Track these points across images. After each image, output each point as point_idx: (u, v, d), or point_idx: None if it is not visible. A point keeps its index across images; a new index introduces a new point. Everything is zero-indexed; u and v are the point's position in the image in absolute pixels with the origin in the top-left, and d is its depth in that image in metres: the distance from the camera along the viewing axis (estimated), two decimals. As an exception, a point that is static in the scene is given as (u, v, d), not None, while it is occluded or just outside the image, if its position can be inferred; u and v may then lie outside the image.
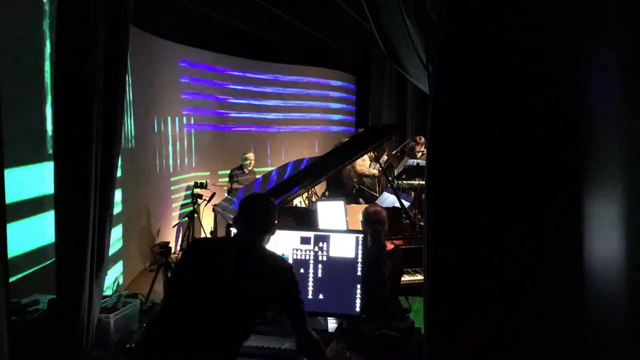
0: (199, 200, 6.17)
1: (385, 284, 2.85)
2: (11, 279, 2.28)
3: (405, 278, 3.45)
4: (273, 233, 2.06)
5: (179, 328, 1.82)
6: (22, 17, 2.99)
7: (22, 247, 2.89)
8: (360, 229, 3.05)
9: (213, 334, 1.81)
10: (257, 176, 6.22)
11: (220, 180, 6.85)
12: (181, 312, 1.85)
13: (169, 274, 2.01)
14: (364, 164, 6.21)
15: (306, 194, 5.12)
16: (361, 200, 5.73)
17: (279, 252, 2.42)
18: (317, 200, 4.52)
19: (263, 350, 2.13)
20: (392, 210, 3.99)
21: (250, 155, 6.53)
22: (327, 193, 5.72)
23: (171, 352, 1.80)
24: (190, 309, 1.84)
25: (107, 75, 2.26)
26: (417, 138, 6.87)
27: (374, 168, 6.24)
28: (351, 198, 5.55)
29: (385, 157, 6.39)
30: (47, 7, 3.13)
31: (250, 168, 6.54)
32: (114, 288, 4.37)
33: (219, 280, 1.86)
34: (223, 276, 1.87)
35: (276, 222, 2.07)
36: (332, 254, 2.39)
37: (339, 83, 8.75)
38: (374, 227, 2.94)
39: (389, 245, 3.08)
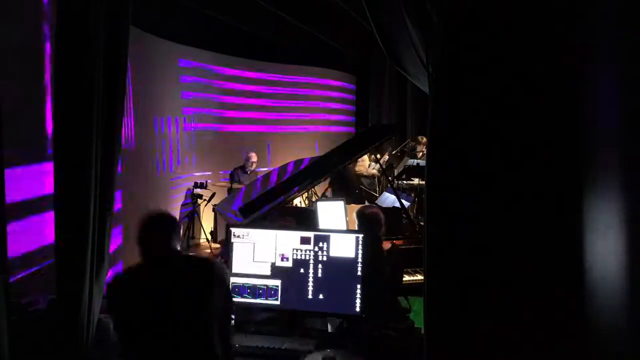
0: (199, 200, 6.17)
1: (384, 284, 2.85)
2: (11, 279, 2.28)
3: (405, 278, 3.46)
4: (178, 233, 2.07)
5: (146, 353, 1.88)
6: (22, 17, 2.99)
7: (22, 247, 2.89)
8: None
9: (181, 341, 1.85)
10: (258, 175, 6.21)
11: (220, 180, 6.84)
12: (142, 341, 1.89)
13: (112, 315, 2.04)
14: (364, 165, 6.20)
15: (306, 194, 5.11)
16: (366, 201, 5.71)
17: (279, 252, 2.42)
18: (317, 200, 4.52)
19: (263, 350, 2.14)
20: (392, 210, 3.99)
21: (253, 156, 6.52)
22: (327, 194, 5.70)
23: None
24: (149, 335, 1.88)
25: (107, 75, 2.26)
26: (419, 138, 6.85)
27: (373, 168, 6.24)
28: (356, 198, 5.54)
29: (386, 157, 6.38)
30: (47, 7, 3.13)
31: (252, 168, 6.53)
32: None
33: (163, 298, 1.89)
34: (164, 293, 1.89)
35: (177, 223, 2.10)
36: (332, 254, 2.39)
37: (339, 83, 8.75)
38: (371, 227, 2.93)
39: (386, 245, 3.08)
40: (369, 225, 2.96)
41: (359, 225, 3.02)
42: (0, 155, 1.83)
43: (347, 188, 5.68)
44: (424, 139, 6.44)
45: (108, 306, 2.03)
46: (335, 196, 5.53)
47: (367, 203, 5.09)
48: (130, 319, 1.92)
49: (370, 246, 2.92)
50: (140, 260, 1.99)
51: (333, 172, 4.41)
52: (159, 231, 2.01)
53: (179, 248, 2.05)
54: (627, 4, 1.51)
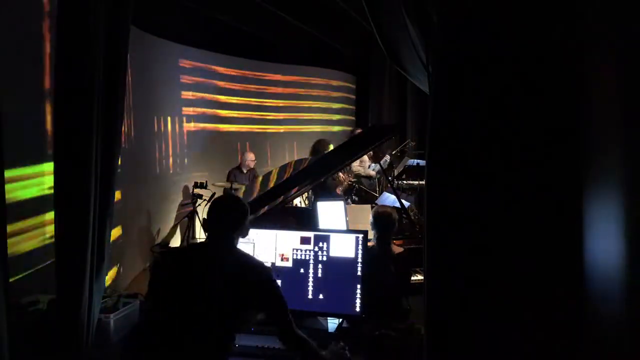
0: (199, 200, 6.17)
1: (389, 285, 2.86)
2: (11, 279, 2.28)
3: (410, 279, 3.46)
4: (245, 234, 2.03)
5: (166, 335, 1.84)
6: (22, 17, 2.99)
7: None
8: (361, 229, 3.05)
9: (200, 337, 1.82)
10: (259, 176, 6.20)
11: (220, 180, 6.84)
12: (166, 320, 1.86)
13: (149, 284, 2.00)
14: (363, 165, 6.19)
15: (306, 194, 5.11)
16: (349, 201, 5.66)
17: (279, 252, 2.42)
18: (317, 200, 4.51)
19: (263, 351, 2.13)
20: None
21: (249, 155, 6.50)
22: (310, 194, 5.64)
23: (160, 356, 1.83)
24: (174, 317, 1.84)
25: (107, 75, 2.26)
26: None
27: (373, 169, 6.23)
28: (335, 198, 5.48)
29: (387, 158, 6.38)
30: (47, 7, 3.13)
31: (249, 167, 6.51)
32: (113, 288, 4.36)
33: (198, 285, 1.86)
34: (202, 281, 1.86)
35: (248, 223, 2.03)
36: (332, 254, 2.39)
37: (339, 83, 8.75)
38: (384, 228, 2.95)
39: (398, 249, 3.09)
40: (382, 224, 2.98)
41: (372, 224, 3.04)
42: (1, 156, 1.83)
43: (325, 189, 5.62)
44: None
45: (150, 279, 2.00)
46: (315, 197, 5.44)
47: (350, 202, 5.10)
48: (160, 297, 1.91)
49: (379, 246, 2.94)
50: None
51: (333, 173, 4.39)
52: (218, 217, 1.96)
53: (237, 240, 1.98)
54: (627, 4, 1.51)
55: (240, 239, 2.14)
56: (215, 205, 2.01)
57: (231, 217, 1.97)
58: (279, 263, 2.41)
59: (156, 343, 1.85)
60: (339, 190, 5.47)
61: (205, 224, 2.00)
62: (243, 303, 1.89)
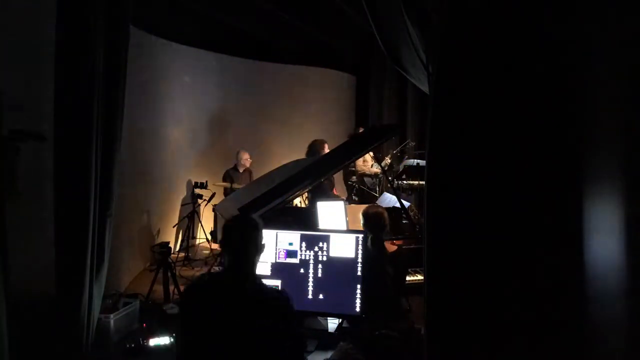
0: (199, 200, 6.17)
1: (387, 284, 2.85)
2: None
3: (406, 278, 3.46)
4: (262, 252, 1.97)
5: None
6: (22, 17, 2.98)
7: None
8: (360, 229, 3.05)
9: None
10: (255, 175, 6.20)
11: (219, 180, 6.85)
12: (200, 355, 1.80)
13: (179, 321, 1.93)
14: (366, 165, 6.20)
15: (306, 194, 5.11)
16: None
17: (279, 252, 2.43)
18: (314, 201, 4.51)
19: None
20: (392, 210, 3.99)
21: (244, 154, 6.48)
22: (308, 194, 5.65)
23: None
24: (207, 351, 1.78)
25: (107, 75, 2.26)
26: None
27: (376, 168, 6.23)
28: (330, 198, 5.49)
29: (387, 160, 6.39)
30: (47, 7, 3.13)
31: (245, 166, 6.50)
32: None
33: (227, 317, 1.79)
34: (229, 313, 1.79)
35: (264, 241, 1.96)
36: (332, 254, 2.39)
37: (339, 83, 8.75)
38: (376, 228, 2.95)
39: (392, 247, 3.08)
40: (373, 224, 2.97)
41: (363, 224, 3.04)
42: (1, 155, 1.83)
43: (320, 189, 5.62)
44: None
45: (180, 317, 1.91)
46: (312, 198, 5.44)
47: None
48: (189, 330, 1.84)
49: (374, 246, 2.93)
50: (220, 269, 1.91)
51: (333, 173, 4.40)
52: (241, 241, 1.87)
53: (257, 265, 1.91)
54: (627, 4, 1.51)
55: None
56: (235, 229, 1.93)
57: (253, 240, 1.90)
58: (279, 262, 2.41)
59: None
60: (335, 191, 5.48)
61: (225, 248, 1.91)
62: (273, 336, 1.80)
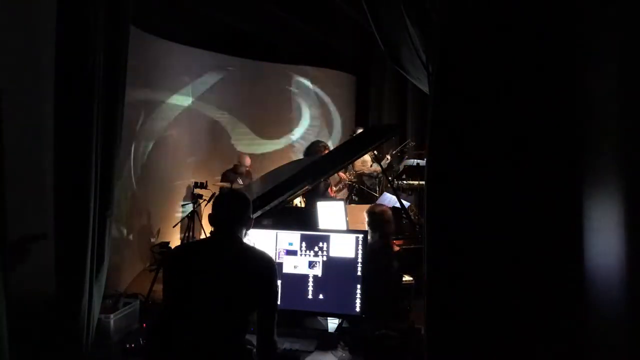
0: (199, 200, 6.17)
1: (390, 284, 2.86)
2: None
3: (405, 278, 3.46)
4: (250, 227, 2.05)
5: (184, 329, 1.85)
6: (22, 17, 2.98)
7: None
8: (361, 229, 3.05)
9: (218, 329, 1.83)
10: (254, 176, 6.19)
11: (219, 180, 6.84)
12: (183, 315, 1.86)
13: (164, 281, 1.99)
14: (365, 165, 6.20)
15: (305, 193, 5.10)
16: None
17: (279, 252, 2.43)
18: (309, 202, 4.51)
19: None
20: (392, 210, 3.99)
21: (244, 158, 6.49)
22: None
23: (182, 351, 1.84)
24: (190, 311, 1.85)
25: (107, 75, 2.26)
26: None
27: (375, 167, 6.23)
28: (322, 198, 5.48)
29: (388, 158, 6.38)
30: (47, 7, 3.12)
31: (244, 169, 6.49)
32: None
33: (211, 279, 1.87)
34: (213, 274, 1.87)
35: (252, 216, 2.05)
36: (332, 254, 2.39)
37: (339, 83, 8.74)
38: (382, 227, 2.95)
39: (395, 247, 3.09)
40: (379, 222, 2.98)
41: (368, 223, 3.04)
42: (1, 155, 1.83)
43: (319, 198, 5.60)
44: None
45: (163, 275, 2.00)
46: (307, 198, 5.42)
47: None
48: (175, 293, 1.91)
49: (381, 246, 2.93)
50: (205, 236, 1.97)
51: (333, 172, 4.40)
52: (225, 211, 1.98)
53: (243, 233, 2.00)
54: (627, 4, 1.51)
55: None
56: (221, 200, 2.03)
57: (239, 211, 1.98)
58: (278, 261, 2.41)
59: (179, 341, 1.85)
60: (332, 192, 5.47)
61: (211, 219, 1.99)
62: (252, 295, 1.88)
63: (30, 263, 2.75)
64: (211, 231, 2.01)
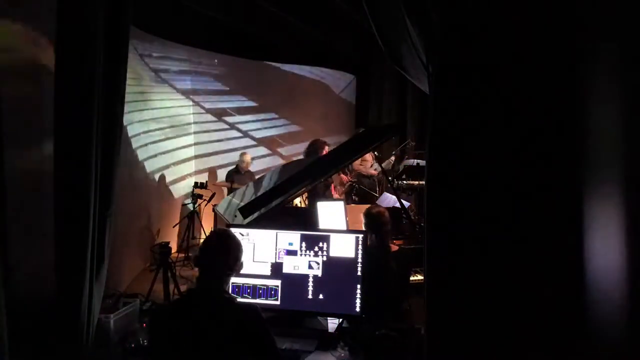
0: (199, 200, 6.17)
1: (389, 284, 2.85)
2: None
3: (418, 277, 3.46)
4: (239, 271, 1.91)
5: None
6: (22, 17, 2.98)
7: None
8: (361, 229, 3.05)
9: None
10: (257, 176, 6.21)
11: (219, 180, 6.85)
12: None
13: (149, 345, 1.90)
14: (365, 165, 6.19)
15: (306, 194, 5.11)
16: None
17: (279, 252, 2.43)
18: (317, 200, 4.51)
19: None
20: (392, 210, 3.99)
21: (246, 157, 6.54)
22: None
23: None
24: None
25: (107, 75, 2.26)
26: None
27: (375, 169, 6.23)
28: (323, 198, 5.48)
29: (391, 159, 6.38)
30: (47, 8, 3.12)
31: (246, 169, 6.54)
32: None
33: (196, 343, 1.73)
34: (197, 338, 1.73)
35: (241, 259, 1.90)
36: (332, 254, 2.39)
37: (339, 83, 8.75)
38: (379, 228, 2.95)
39: (393, 247, 3.09)
40: (376, 223, 2.98)
41: (365, 224, 3.04)
42: (1, 155, 1.83)
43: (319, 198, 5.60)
44: None
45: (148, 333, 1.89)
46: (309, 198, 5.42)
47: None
48: (161, 353, 1.80)
49: (378, 246, 2.93)
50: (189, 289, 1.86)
51: (333, 172, 4.39)
52: (216, 258, 1.82)
53: (229, 284, 1.86)
54: (627, 4, 1.51)
55: (241, 238, 2.14)
56: (212, 244, 1.87)
57: (231, 257, 1.86)
58: (278, 261, 2.41)
59: None
60: (333, 192, 5.47)
61: (199, 263, 1.84)
62: (243, 353, 1.76)
63: (30, 263, 2.75)
64: (197, 277, 1.87)
